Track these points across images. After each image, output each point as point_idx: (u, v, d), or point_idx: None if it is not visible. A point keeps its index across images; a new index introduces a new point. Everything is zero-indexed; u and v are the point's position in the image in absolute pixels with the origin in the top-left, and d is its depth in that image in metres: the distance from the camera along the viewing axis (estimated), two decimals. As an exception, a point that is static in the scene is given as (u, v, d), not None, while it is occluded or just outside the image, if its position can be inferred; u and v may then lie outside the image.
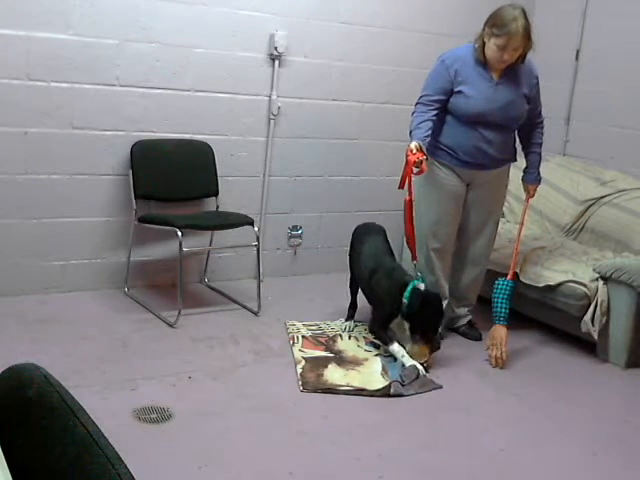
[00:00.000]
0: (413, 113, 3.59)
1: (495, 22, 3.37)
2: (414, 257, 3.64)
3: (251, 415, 2.93)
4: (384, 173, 4.85)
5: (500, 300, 3.68)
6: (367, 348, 3.66)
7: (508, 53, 3.40)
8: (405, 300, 3.42)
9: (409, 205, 3.58)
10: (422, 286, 3.46)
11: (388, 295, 3.51)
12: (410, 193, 3.57)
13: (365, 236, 3.87)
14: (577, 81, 4.98)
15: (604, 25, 4.79)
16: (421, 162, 3.39)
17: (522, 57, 3.48)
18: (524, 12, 3.38)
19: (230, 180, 4.35)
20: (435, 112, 3.53)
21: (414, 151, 3.40)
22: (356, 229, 3.98)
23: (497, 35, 3.36)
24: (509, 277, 3.73)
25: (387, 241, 3.85)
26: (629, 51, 4.62)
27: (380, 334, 3.56)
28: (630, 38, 4.61)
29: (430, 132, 3.50)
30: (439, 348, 3.52)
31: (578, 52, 4.96)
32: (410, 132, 3.54)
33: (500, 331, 3.66)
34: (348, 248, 3.99)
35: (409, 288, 3.42)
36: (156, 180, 4.03)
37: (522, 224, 3.89)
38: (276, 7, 4.23)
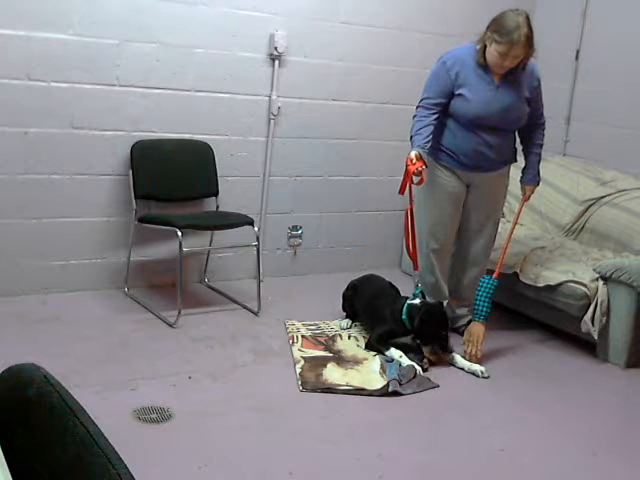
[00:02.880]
0: (414, 117, 3.59)
1: (497, 28, 3.34)
2: (416, 267, 3.67)
3: (251, 415, 2.93)
4: (384, 173, 4.85)
5: (482, 298, 3.68)
6: (367, 348, 3.67)
7: (509, 60, 3.39)
8: (404, 319, 3.51)
9: (410, 215, 3.59)
10: (417, 301, 3.52)
11: (391, 313, 3.60)
12: (411, 203, 3.58)
13: (366, 283, 3.96)
14: (577, 81, 4.98)
15: (604, 25, 4.79)
16: (420, 172, 3.41)
17: (523, 64, 3.47)
18: (528, 19, 3.34)
19: (230, 180, 4.35)
20: (436, 116, 3.53)
21: (414, 161, 3.41)
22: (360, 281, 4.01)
23: (499, 42, 3.34)
24: (495, 276, 3.72)
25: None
26: (629, 51, 4.62)
27: (377, 347, 3.60)
28: (630, 38, 4.61)
29: (431, 137, 3.51)
30: (452, 351, 3.56)
31: (578, 52, 4.96)
32: (411, 137, 3.55)
33: (478, 328, 3.66)
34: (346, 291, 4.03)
35: (404, 308, 3.52)
36: (156, 180, 4.03)
37: (515, 224, 3.88)
38: (276, 7, 4.23)
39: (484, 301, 3.68)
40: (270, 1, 4.21)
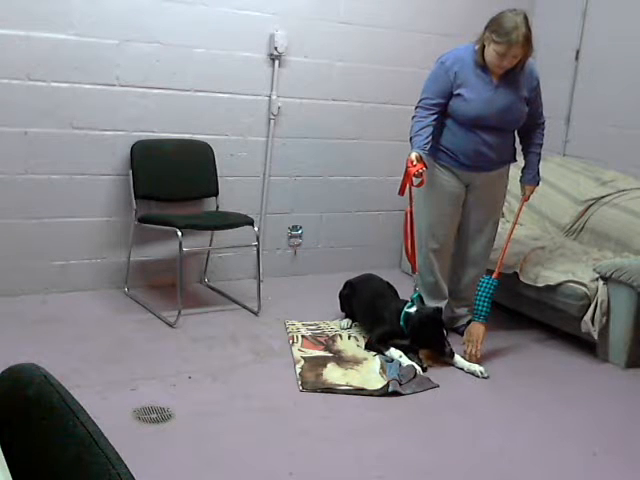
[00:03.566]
0: (413, 117, 3.59)
1: (496, 28, 3.34)
2: (414, 269, 3.67)
3: (251, 415, 2.93)
4: (384, 173, 4.85)
5: (482, 298, 3.68)
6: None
7: (507, 60, 3.40)
8: (402, 325, 3.53)
9: (409, 217, 3.59)
10: (413, 309, 3.53)
11: (389, 315, 3.60)
12: (411, 205, 3.58)
13: (364, 283, 3.96)
14: (577, 81, 4.98)
15: (604, 25, 4.80)
16: (421, 174, 3.41)
17: (522, 63, 3.47)
18: (526, 19, 3.34)
19: (230, 180, 4.35)
20: (435, 116, 3.53)
21: (415, 162, 3.41)
22: (357, 280, 4.01)
23: (497, 42, 3.35)
24: (494, 276, 3.72)
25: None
26: (629, 51, 4.62)
27: (377, 347, 3.60)
28: (630, 38, 4.61)
29: (430, 138, 3.51)
30: (452, 353, 3.55)
31: (578, 52, 4.96)
32: (410, 139, 3.55)
33: (478, 328, 3.66)
34: (343, 289, 4.03)
35: (402, 315, 3.53)
36: (156, 180, 4.03)
37: (515, 224, 3.88)
38: (276, 7, 4.23)
39: (484, 301, 3.68)
40: (270, 1, 4.21)
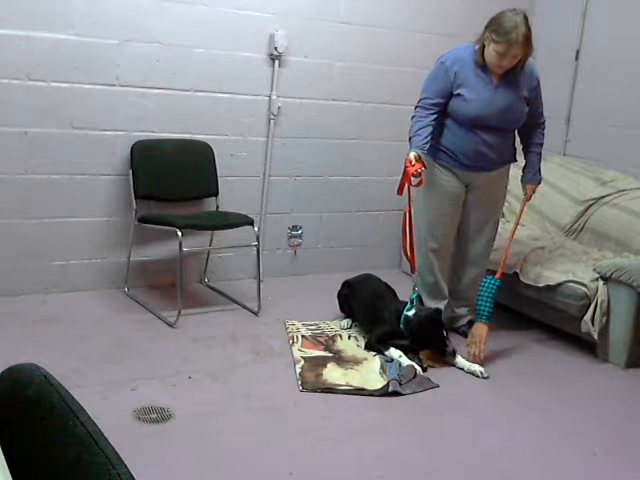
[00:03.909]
0: (413, 117, 3.59)
1: (496, 28, 3.34)
2: (413, 269, 3.67)
3: (251, 415, 2.93)
4: (384, 173, 4.85)
5: (485, 298, 3.66)
6: (367, 348, 3.67)
7: (507, 59, 3.40)
8: (402, 327, 3.53)
9: (408, 217, 3.59)
10: (412, 312, 3.52)
11: (389, 315, 3.61)
12: (410, 204, 3.58)
13: (363, 283, 3.96)
14: (577, 81, 4.98)
15: (604, 25, 4.80)
16: (420, 173, 3.41)
17: (522, 63, 3.47)
18: (526, 19, 3.34)
19: (230, 180, 4.35)
20: (435, 116, 3.53)
21: (413, 162, 3.41)
22: (354, 281, 4.01)
23: (497, 42, 3.35)
24: (497, 276, 3.72)
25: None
26: (629, 51, 4.62)
27: (377, 347, 3.60)
28: (630, 38, 4.61)
29: (430, 138, 3.50)
30: (454, 352, 3.55)
31: (578, 52, 4.96)
32: (410, 138, 3.55)
33: (481, 329, 3.65)
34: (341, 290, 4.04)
35: (402, 318, 3.53)
36: (156, 180, 4.04)
37: (517, 224, 3.87)
38: (276, 7, 4.23)
39: (486, 301, 3.67)
40: (270, 1, 4.21)
